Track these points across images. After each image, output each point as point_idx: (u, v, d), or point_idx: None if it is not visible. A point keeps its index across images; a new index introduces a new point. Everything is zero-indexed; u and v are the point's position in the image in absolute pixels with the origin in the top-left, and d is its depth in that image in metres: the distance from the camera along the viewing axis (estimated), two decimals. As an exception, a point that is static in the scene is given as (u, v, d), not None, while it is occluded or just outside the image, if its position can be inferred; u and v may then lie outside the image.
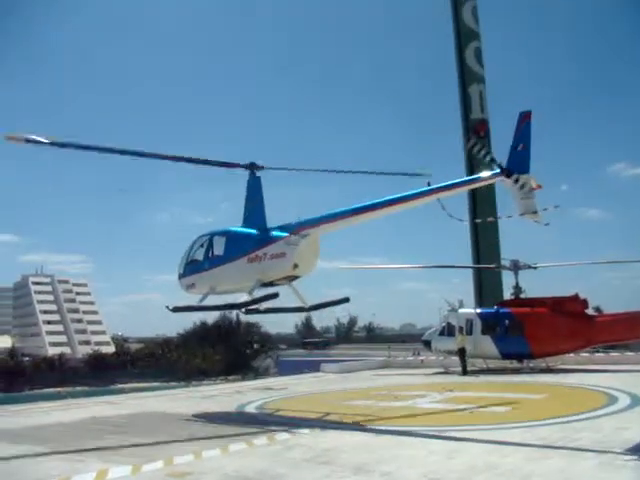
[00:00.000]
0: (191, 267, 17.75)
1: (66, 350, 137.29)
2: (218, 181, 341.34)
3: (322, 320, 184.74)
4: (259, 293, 16.19)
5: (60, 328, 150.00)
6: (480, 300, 49.23)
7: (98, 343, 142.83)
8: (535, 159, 12.30)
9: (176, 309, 17.47)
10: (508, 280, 39.81)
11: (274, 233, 15.84)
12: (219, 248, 16.73)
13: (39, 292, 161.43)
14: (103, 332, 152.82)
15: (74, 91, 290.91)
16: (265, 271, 15.37)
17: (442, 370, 35.39)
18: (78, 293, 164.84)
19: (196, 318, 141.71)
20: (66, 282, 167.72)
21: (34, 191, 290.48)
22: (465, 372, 33.12)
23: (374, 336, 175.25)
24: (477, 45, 54.23)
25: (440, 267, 41.92)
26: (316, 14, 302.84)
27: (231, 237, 16.67)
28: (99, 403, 24.93)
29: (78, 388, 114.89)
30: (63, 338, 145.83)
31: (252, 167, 16.81)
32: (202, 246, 17.32)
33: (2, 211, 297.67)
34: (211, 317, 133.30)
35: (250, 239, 15.99)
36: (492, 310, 35.94)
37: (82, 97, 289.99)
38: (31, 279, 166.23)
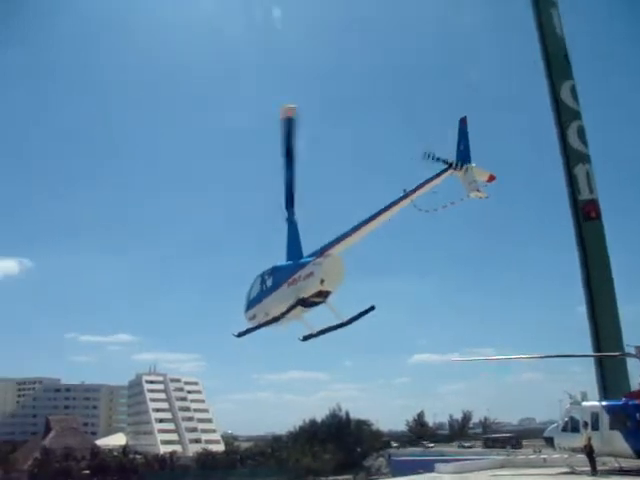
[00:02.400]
0: (251, 302, 20.26)
1: (177, 448, 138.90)
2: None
3: (435, 416, 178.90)
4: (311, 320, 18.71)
5: (172, 426, 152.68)
6: (604, 391, 45.78)
7: (208, 441, 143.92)
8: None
9: (240, 334, 20.59)
10: (634, 369, 37.04)
11: (305, 259, 18.37)
12: (269, 281, 19.37)
13: (152, 390, 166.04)
14: (213, 430, 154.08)
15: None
16: (300, 290, 17.56)
17: (568, 470, 32.74)
18: (189, 391, 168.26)
19: (306, 416, 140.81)
20: (178, 381, 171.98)
21: (149, 293, 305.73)
22: (595, 472, 30.36)
23: (490, 432, 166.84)
24: (579, 124, 53.04)
25: (558, 357, 39.43)
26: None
27: (276, 270, 19.35)
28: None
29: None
30: (174, 436, 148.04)
31: (289, 217, 19.64)
32: (257, 283, 19.98)
33: (120, 312, 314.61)
34: (320, 415, 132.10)
35: (289, 268, 18.64)
36: (620, 402, 33.17)
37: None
38: (144, 378, 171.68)
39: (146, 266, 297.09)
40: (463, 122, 16.07)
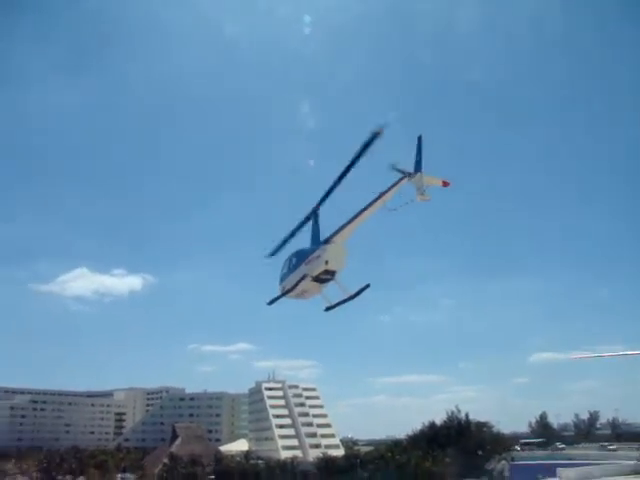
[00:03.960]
0: (282, 276, 25.06)
1: (298, 453, 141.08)
2: (438, 275, 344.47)
3: (558, 417, 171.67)
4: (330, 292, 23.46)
5: (292, 432, 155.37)
6: None
7: (328, 446, 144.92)
8: None
9: (270, 302, 25.53)
10: None
11: (318, 245, 22.99)
12: (293, 261, 24.27)
13: (271, 397, 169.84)
14: (332, 435, 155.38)
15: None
16: (312, 268, 22.32)
17: None
18: (307, 397, 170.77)
19: (424, 419, 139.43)
20: (296, 387, 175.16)
21: (262, 305, 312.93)
22: None
23: (620, 433, 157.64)
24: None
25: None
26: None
27: (298, 253, 24.22)
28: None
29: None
30: (295, 442, 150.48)
31: (316, 209, 23.87)
32: (286, 262, 24.99)
33: (240, 323, 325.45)
34: (439, 418, 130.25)
35: (306, 252, 23.48)
36: None
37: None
38: (264, 385, 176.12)
39: (262, 277, 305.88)
40: (419, 140, 20.22)
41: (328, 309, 23.33)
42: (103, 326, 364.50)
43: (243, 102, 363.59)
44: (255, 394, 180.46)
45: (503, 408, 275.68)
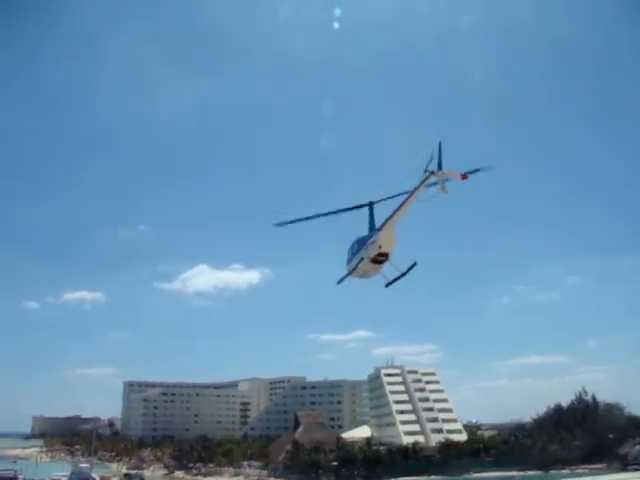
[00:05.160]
0: (348, 260, 29.34)
1: (420, 439, 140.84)
2: (560, 255, 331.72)
3: None
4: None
5: (413, 417, 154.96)
6: None
7: (450, 431, 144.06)
8: None
9: (339, 281, 30.67)
10: None
11: (373, 233, 27.19)
12: (356, 246, 28.53)
13: (391, 383, 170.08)
14: (454, 420, 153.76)
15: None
16: (369, 252, 26.65)
17: None
18: (427, 382, 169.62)
19: (550, 402, 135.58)
20: (415, 372, 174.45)
21: (382, 291, 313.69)
22: None
23: None
24: None
25: None
26: None
27: (359, 240, 28.33)
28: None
29: (433, 477, 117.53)
30: (416, 427, 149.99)
31: (371, 204, 28.39)
32: (351, 247, 29.24)
33: (358, 311, 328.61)
34: (565, 400, 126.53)
35: (365, 238, 27.74)
36: None
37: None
38: (383, 371, 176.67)
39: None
40: (439, 145, 23.11)
41: (387, 285, 27.81)
42: (224, 320, 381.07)
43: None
44: (374, 380, 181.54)
45: (634, 389, 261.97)
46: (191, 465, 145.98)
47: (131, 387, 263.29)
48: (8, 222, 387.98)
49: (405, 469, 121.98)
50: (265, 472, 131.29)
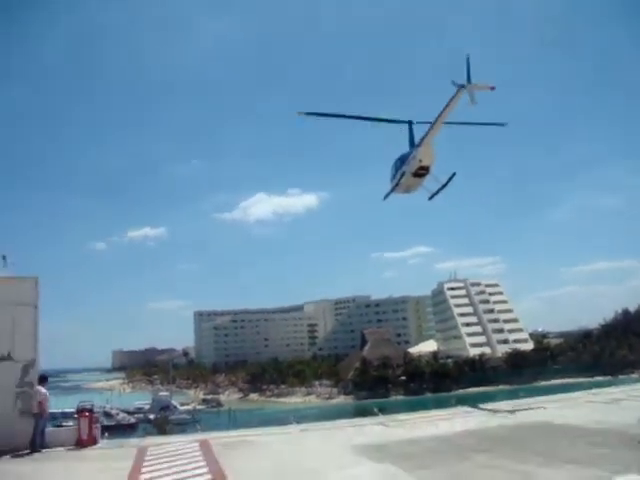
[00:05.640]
0: (391, 176, 30.83)
1: (486, 350, 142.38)
2: (622, 157, 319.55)
3: None
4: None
5: (478, 329, 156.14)
6: None
7: (516, 341, 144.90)
8: None
9: (385, 197, 32.11)
10: None
11: (412, 149, 28.69)
12: (398, 163, 30.00)
13: (454, 297, 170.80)
14: (520, 330, 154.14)
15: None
16: (411, 167, 28.41)
17: None
18: (491, 294, 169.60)
19: (618, 306, 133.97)
20: (478, 284, 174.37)
21: (442, 206, 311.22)
22: None
23: None
24: None
25: None
26: None
27: (401, 157, 29.74)
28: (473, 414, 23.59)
29: (500, 387, 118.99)
30: (482, 339, 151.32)
31: (410, 122, 29.41)
32: (394, 164, 30.60)
33: (417, 227, 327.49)
34: (633, 305, 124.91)
35: (406, 155, 29.20)
36: None
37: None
38: (446, 285, 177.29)
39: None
40: (467, 59, 24.09)
41: (431, 198, 29.40)
42: (286, 245, 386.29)
43: None
44: (438, 295, 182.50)
45: None
46: (264, 387, 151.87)
47: (201, 317, 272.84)
48: (67, 167, 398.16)
49: (473, 380, 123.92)
50: (336, 390, 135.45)
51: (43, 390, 19.31)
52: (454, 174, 27.92)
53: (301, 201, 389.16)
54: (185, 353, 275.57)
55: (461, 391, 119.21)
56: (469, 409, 25.12)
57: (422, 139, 27.44)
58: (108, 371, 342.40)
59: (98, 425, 20.82)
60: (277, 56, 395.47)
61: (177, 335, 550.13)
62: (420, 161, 27.51)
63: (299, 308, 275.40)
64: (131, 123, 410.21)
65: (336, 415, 51.44)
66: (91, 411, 20.67)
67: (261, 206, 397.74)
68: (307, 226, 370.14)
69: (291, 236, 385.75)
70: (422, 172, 28.04)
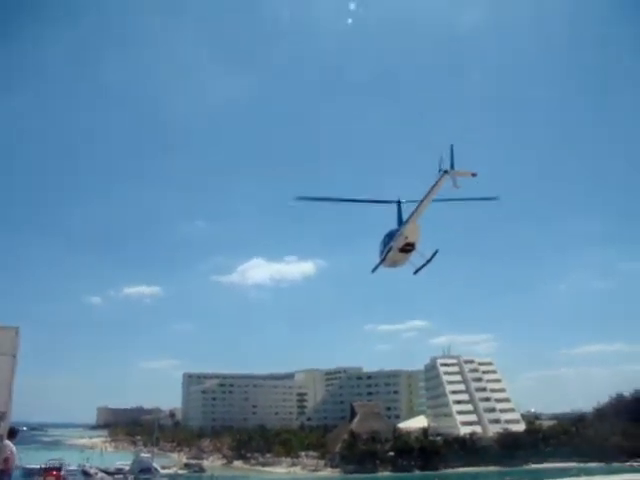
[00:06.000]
0: (380, 251, 31.62)
1: (477, 429, 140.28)
2: (615, 241, 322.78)
3: None
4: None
5: (470, 407, 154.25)
6: None
7: (508, 421, 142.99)
8: None
9: (373, 270, 32.61)
10: None
11: (400, 226, 29.89)
12: (386, 239, 30.91)
13: (447, 373, 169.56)
14: (512, 410, 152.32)
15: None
16: (397, 243, 29.40)
17: None
18: (484, 372, 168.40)
19: (612, 391, 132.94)
20: (471, 362, 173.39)
21: (437, 281, 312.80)
22: None
23: None
24: None
25: None
26: None
27: (390, 233, 30.68)
28: None
29: (491, 467, 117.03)
30: (473, 417, 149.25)
31: (399, 202, 30.87)
32: (383, 240, 31.38)
33: (414, 301, 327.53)
34: (628, 389, 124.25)
35: (394, 231, 30.19)
36: None
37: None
38: (439, 361, 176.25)
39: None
40: (451, 147, 25.94)
41: (416, 272, 30.69)
42: (281, 311, 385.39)
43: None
44: (431, 370, 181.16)
45: None
46: (249, 455, 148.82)
47: (190, 379, 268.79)
48: (67, 219, 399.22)
49: (462, 460, 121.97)
50: (322, 462, 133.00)
51: (12, 445, 18.09)
52: (437, 251, 29.98)
53: (298, 268, 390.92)
54: (172, 414, 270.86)
55: (450, 470, 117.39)
56: None
57: (408, 218, 29.46)
58: (92, 428, 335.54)
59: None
60: (283, 117, 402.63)
61: (165, 395, 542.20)
62: (406, 238, 29.44)
63: (290, 376, 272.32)
64: (134, 176, 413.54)
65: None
66: (59, 470, 20.19)
67: (259, 270, 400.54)
68: (303, 293, 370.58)
69: (287, 302, 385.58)
70: (408, 248, 29.91)
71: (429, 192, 27.10)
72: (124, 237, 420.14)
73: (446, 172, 25.87)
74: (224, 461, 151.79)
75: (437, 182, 26.50)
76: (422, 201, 27.93)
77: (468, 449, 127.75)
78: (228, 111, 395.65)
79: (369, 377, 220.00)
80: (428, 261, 30.09)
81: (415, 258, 30.63)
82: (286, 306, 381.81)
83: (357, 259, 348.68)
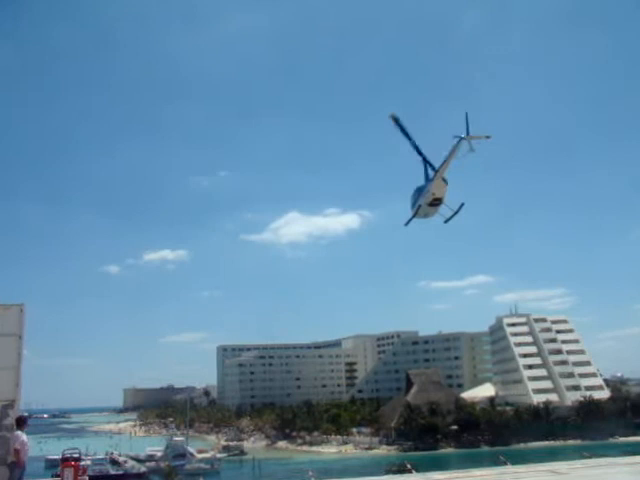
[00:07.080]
0: (412, 204, 36.37)
1: (552, 397, 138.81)
2: None
3: None
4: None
5: (543, 372, 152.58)
6: None
7: (589, 387, 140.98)
8: None
9: (406, 223, 37.24)
10: None
11: (427, 182, 34.44)
12: (416, 194, 35.74)
13: (516, 334, 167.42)
14: (594, 374, 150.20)
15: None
16: (426, 199, 34.40)
17: None
18: (558, 331, 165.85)
19: None
20: (543, 320, 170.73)
21: (503, 229, 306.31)
22: None
23: None
24: None
25: None
26: None
27: (419, 188, 35.28)
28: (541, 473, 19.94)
29: (570, 442, 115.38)
30: (548, 384, 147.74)
31: (425, 160, 34.84)
32: (413, 194, 36.35)
33: (475, 252, 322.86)
34: None
35: (422, 187, 34.83)
36: None
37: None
38: (506, 321, 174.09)
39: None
40: (466, 116, 30.96)
41: (446, 221, 35.18)
42: (323, 271, 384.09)
43: None
44: (497, 331, 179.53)
45: None
46: (294, 434, 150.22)
47: (225, 352, 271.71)
48: (75, 179, 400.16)
49: (536, 433, 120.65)
50: (377, 439, 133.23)
51: (22, 435, 17.70)
52: (462, 204, 35.02)
53: (340, 221, 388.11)
54: (206, 392, 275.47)
55: (522, 445, 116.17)
56: (522, 469, 22.17)
57: (434, 176, 34.45)
58: (119, 411, 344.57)
59: (86, 477, 19.62)
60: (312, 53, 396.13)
61: (198, 372, 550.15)
62: (433, 194, 34.51)
63: (336, 344, 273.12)
64: (145, 129, 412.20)
65: (369, 471, 49.54)
66: (78, 460, 19.46)
67: (295, 226, 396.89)
68: (347, 250, 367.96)
69: (329, 261, 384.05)
70: (436, 202, 34.93)
71: (449, 155, 32.39)
72: (139, 197, 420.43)
73: (462, 138, 31.08)
74: (267, 442, 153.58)
75: (454, 147, 31.80)
76: (443, 163, 33.42)
77: (543, 421, 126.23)
78: (244, 50, 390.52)
79: (426, 342, 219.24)
80: (456, 212, 35.45)
81: (444, 210, 35.06)
82: (328, 266, 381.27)
83: (407, 208, 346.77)
